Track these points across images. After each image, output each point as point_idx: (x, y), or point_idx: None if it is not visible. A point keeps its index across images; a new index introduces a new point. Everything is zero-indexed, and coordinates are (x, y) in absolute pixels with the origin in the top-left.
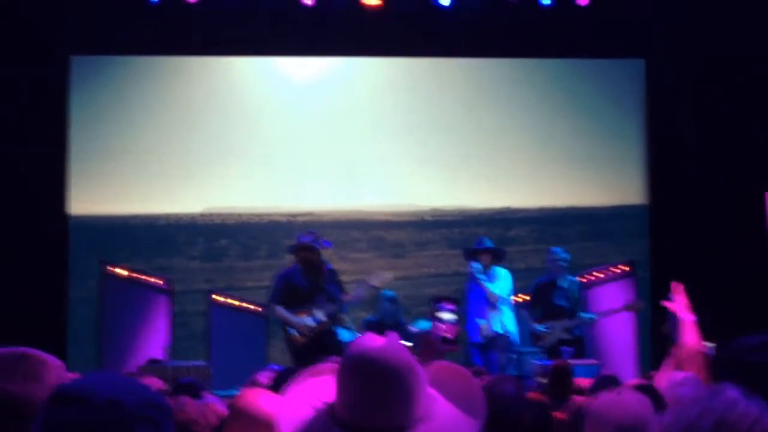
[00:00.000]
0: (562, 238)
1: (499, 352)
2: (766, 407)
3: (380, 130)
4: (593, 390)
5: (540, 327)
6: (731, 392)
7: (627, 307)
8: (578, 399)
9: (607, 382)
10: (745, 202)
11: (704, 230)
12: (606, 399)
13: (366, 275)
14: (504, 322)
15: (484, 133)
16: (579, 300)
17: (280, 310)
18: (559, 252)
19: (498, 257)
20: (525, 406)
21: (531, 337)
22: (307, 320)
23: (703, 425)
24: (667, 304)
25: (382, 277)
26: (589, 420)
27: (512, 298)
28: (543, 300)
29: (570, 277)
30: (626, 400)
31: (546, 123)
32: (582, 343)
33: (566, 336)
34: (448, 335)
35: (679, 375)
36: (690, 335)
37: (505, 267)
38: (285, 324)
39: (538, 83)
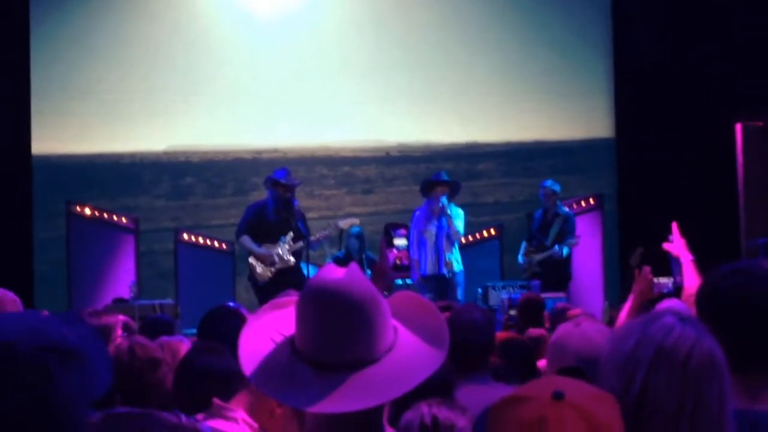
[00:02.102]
0: (530, 172)
1: (451, 288)
2: (703, 330)
3: (346, 66)
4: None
5: (520, 259)
6: (667, 318)
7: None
8: (535, 331)
9: (560, 313)
10: (715, 134)
11: (672, 163)
12: (565, 330)
13: (333, 219)
14: (456, 259)
15: (450, 69)
16: (568, 231)
17: (246, 240)
18: (550, 184)
19: (453, 192)
20: (493, 333)
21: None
22: (272, 252)
23: (642, 354)
24: (666, 246)
25: (348, 220)
26: (550, 351)
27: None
28: (535, 235)
29: (562, 209)
30: (585, 331)
31: (513, 57)
32: (565, 276)
33: (537, 269)
34: (402, 261)
35: (668, 301)
36: (690, 276)
37: (459, 205)
38: (249, 254)
39: (505, 17)
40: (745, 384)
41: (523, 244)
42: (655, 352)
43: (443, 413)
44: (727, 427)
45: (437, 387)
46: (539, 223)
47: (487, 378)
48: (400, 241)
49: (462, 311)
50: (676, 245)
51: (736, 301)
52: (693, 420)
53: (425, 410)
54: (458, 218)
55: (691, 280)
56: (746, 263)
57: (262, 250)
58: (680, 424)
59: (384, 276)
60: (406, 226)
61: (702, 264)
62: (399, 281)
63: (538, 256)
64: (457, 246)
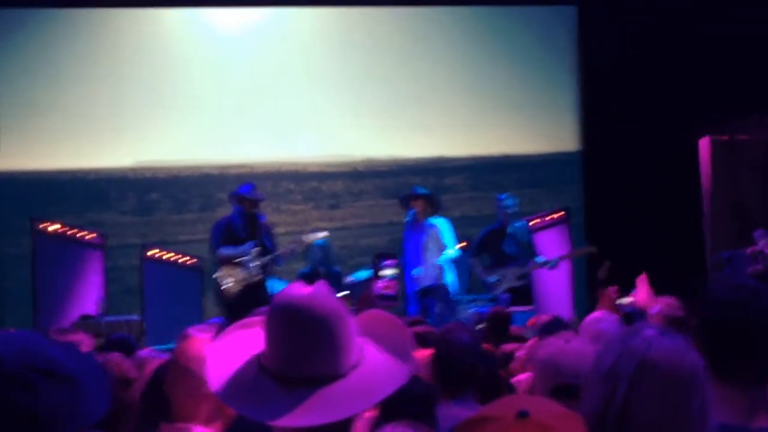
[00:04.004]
0: (496, 186)
1: (437, 301)
2: (683, 343)
3: (313, 81)
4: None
5: (491, 278)
6: (648, 331)
7: (573, 253)
8: (509, 347)
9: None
10: (679, 149)
11: (638, 176)
12: (556, 347)
13: (301, 234)
14: (444, 269)
15: (416, 83)
16: (530, 244)
17: (224, 250)
18: (506, 198)
19: (433, 205)
20: (480, 355)
21: (483, 287)
22: (246, 262)
23: (624, 368)
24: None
25: (313, 235)
26: (539, 367)
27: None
28: (492, 248)
29: (517, 223)
30: (579, 347)
31: (479, 71)
32: (529, 290)
33: (517, 284)
34: (389, 291)
35: (597, 313)
36: (641, 291)
37: (441, 216)
38: (229, 262)
39: (471, 31)
40: (741, 400)
41: (476, 261)
42: (637, 366)
43: None
44: None
45: (418, 404)
46: (500, 237)
47: (470, 400)
48: (387, 271)
49: (450, 332)
50: (640, 293)
51: (748, 319)
52: None
53: (388, 430)
54: (444, 231)
55: (643, 296)
56: (747, 281)
57: (239, 250)
58: None
59: (369, 305)
60: (395, 256)
61: (667, 276)
62: None
63: (525, 269)
64: (444, 259)
